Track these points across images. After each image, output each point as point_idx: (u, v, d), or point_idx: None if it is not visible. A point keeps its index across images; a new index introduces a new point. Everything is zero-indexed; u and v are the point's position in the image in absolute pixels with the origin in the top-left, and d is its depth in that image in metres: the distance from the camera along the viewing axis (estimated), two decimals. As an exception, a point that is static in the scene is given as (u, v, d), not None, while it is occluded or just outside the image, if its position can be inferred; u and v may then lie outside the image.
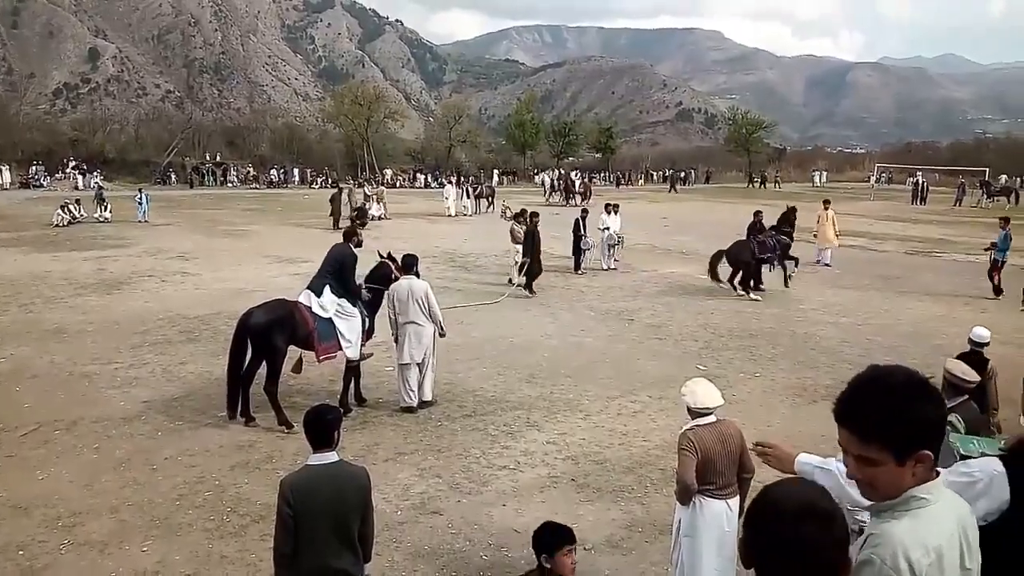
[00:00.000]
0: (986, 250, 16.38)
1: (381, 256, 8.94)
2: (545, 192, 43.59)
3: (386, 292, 8.51)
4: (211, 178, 54.75)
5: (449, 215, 31.89)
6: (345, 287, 8.14)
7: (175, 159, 56.27)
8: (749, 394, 8.79)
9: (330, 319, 7.98)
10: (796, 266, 16.32)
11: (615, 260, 18.48)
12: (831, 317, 13.36)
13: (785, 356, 10.74)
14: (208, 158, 59.06)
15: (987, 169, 53.16)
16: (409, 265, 8.39)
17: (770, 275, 15.78)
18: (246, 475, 6.66)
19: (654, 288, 15.88)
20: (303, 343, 7.98)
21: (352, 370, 8.32)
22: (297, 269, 17.68)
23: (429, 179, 59.58)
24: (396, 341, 8.34)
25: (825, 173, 72.27)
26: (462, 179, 45.10)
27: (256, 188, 52.64)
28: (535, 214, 16.21)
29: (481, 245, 21.85)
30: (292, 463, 6.74)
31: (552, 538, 3.63)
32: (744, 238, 15.74)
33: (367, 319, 8.43)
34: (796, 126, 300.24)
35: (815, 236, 20.20)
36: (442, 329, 8.50)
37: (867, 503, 1.93)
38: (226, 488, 6.40)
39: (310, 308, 7.94)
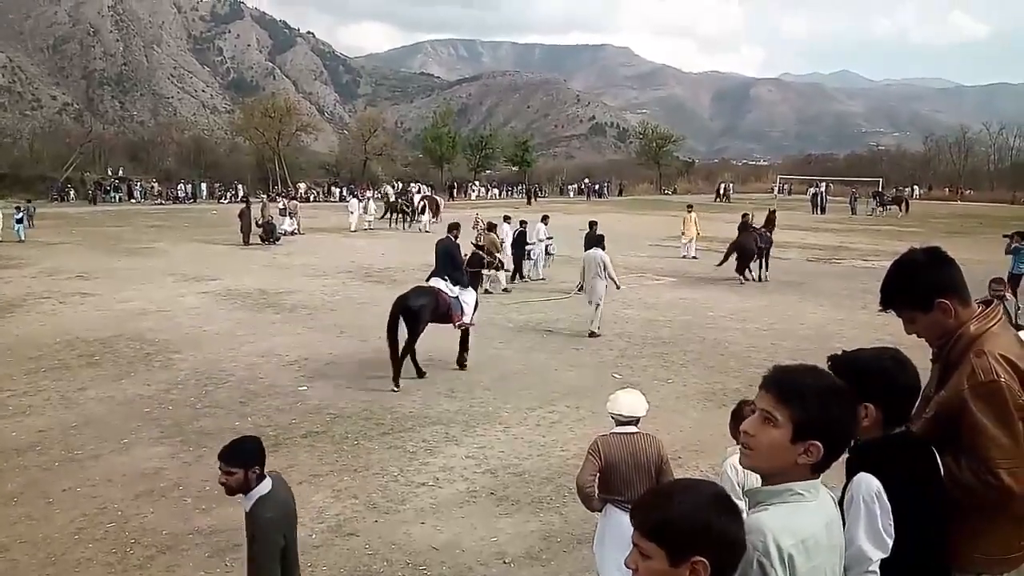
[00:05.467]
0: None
1: (474, 244, 13.05)
2: (382, 210, 36.67)
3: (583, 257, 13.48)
4: (114, 194, 52.45)
5: (351, 230, 31.37)
6: (457, 270, 10.53)
7: (74, 174, 53.65)
8: (663, 400, 8.98)
9: (457, 296, 10.34)
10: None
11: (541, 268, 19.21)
12: (738, 323, 13.83)
13: (696, 362, 11.05)
14: (110, 173, 56.56)
15: (880, 179, 56.37)
16: (596, 241, 13.47)
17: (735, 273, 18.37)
18: (151, 504, 6.37)
19: (571, 299, 16.06)
20: (443, 318, 10.19)
21: (467, 333, 10.63)
22: (205, 287, 17.10)
23: (344, 193, 58.72)
24: (580, 289, 13.34)
25: (732, 184, 74.97)
26: (372, 192, 43.58)
27: (162, 204, 50.77)
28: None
29: (399, 260, 21.64)
30: (200, 490, 6.51)
31: None
32: (746, 233, 18.81)
33: (476, 296, 11.05)
34: (703, 139, 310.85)
35: (682, 234, 22.33)
36: (616, 284, 12.99)
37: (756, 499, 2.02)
38: (129, 519, 6.10)
39: (443, 291, 10.18)
